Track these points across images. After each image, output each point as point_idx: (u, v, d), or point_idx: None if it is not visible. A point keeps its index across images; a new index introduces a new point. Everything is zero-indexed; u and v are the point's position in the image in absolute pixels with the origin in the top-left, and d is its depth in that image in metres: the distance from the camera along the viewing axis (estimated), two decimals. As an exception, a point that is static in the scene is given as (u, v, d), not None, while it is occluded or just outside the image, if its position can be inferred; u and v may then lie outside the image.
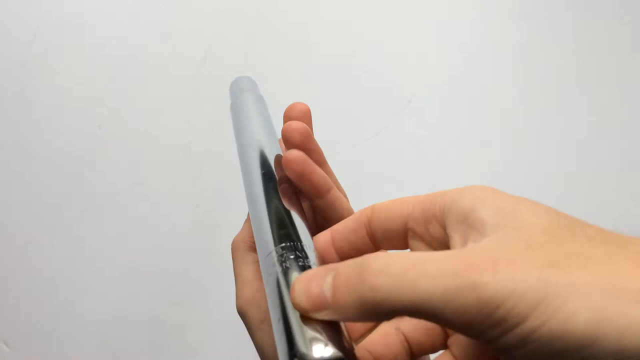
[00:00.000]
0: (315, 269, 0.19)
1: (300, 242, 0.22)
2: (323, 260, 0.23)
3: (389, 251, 0.23)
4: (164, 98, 0.64)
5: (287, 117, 0.28)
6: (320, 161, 0.27)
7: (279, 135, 0.29)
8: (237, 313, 0.26)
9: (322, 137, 0.64)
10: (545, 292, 0.14)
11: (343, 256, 0.24)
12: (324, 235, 0.24)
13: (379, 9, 0.65)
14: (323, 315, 0.18)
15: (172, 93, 0.64)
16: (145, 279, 0.60)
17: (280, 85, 0.64)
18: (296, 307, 0.18)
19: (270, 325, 0.23)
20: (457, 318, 0.15)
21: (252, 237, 0.26)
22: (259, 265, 0.25)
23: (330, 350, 0.17)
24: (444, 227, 0.20)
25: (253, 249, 0.27)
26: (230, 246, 0.28)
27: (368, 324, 0.24)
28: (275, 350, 0.23)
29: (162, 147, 0.63)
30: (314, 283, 0.18)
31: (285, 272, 0.20)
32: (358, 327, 0.24)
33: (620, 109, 0.62)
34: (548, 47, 0.64)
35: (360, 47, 0.64)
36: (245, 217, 0.29)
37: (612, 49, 0.63)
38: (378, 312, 0.16)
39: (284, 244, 0.21)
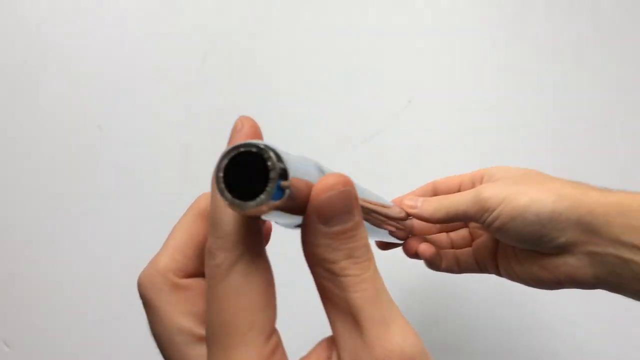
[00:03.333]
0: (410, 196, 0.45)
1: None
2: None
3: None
4: (164, 98, 0.64)
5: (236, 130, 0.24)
6: None
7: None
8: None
9: (322, 137, 0.64)
10: (505, 195, 0.36)
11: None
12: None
13: (380, 9, 0.65)
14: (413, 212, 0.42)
15: (172, 93, 0.64)
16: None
17: (280, 85, 0.64)
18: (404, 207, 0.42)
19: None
20: (473, 213, 0.38)
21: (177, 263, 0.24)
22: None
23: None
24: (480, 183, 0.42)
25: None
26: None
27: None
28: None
29: (162, 147, 0.63)
30: (410, 200, 0.42)
31: None
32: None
33: (620, 108, 0.62)
34: (549, 48, 0.64)
35: (361, 46, 0.64)
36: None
37: (612, 50, 0.64)
38: (440, 218, 0.40)
39: None
